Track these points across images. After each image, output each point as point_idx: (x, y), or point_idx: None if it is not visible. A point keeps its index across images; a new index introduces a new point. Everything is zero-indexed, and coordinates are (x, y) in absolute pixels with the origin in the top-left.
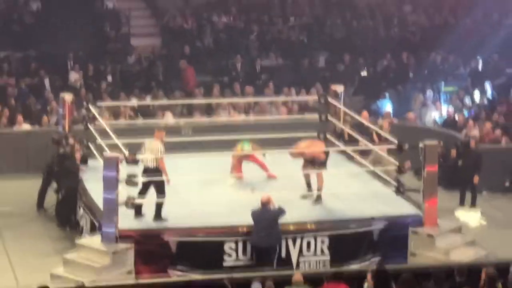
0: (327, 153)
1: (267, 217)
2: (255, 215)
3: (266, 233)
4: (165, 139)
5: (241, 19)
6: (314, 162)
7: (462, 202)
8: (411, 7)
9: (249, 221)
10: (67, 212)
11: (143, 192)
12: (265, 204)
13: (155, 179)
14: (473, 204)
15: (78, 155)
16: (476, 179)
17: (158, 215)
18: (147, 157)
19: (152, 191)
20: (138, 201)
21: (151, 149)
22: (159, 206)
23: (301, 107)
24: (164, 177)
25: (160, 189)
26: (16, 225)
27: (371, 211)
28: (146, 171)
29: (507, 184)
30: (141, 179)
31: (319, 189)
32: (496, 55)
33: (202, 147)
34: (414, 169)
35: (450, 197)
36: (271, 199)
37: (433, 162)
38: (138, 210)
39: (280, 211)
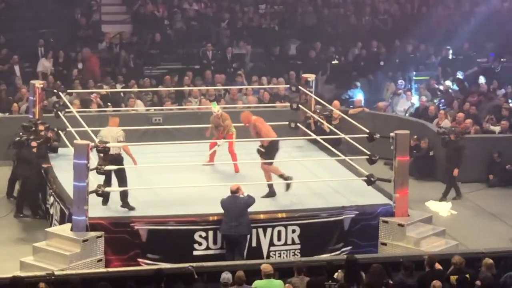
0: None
1: (237, 206)
2: (225, 203)
3: (236, 222)
4: (136, 127)
5: (212, 6)
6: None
7: (445, 194)
8: None
9: (220, 210)
10: (22, 202)
11: (107, 181)
12: (234, 192)
13: (115, 167)
14: (444, 195)
15: (34, 143)
16: (455, 171)
17: (125, 203)
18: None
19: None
20: (108, 189)
21: (111, 137)
22: (124, 194)
23: (272, 95)
24: (126, 166)
25: (122, 176)
26: None
27: (342, 200)
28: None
29: (490, 178)
30: (110, 167)
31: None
32: (466, 44)
33: (172, 135)
34: (385, 159)
35: (421, 187)
36: (241, 187)
37: (405, 151)
38: (105, 199)
39: (250, 200)
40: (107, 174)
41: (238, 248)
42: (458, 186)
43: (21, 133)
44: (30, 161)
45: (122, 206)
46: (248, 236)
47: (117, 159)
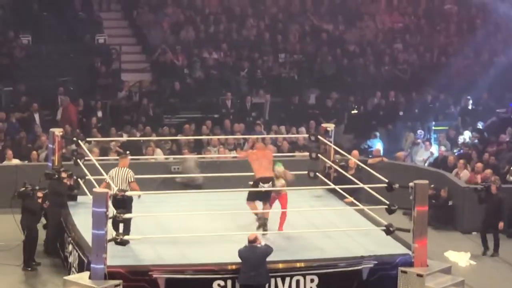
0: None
1: (255, 255)
2: (243, 253)
3: (255, 272)
4: (154, 175)
5: (231, 55)
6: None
7: (485, 248)
8: (402, 45)
9: (238, 258)
10: (31, 254)
11: (126, 228)
12: (252, 242)
13: (135, 215)
14: (495, 250)
15: (40, 194)
16: (501, 225)
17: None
18: (119, 187)
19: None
20: (127, 237)
21: (121, 177)
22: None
23: (291, 144)
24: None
25: (127, 224)
26: (4, 260)
27: (360, 250)
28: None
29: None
30: (130, 215)
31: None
32: (486, 94)
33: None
34: (404, 209)
35: (439, 237)
36: (258, 236)
37: (423, 201)
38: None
39: (268, 249)
40: (126, 222)
41: None
42: (499, 240)
43: (26, 184)
44: (35, 212)
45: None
46: (267, 285)
47: (128, 202)
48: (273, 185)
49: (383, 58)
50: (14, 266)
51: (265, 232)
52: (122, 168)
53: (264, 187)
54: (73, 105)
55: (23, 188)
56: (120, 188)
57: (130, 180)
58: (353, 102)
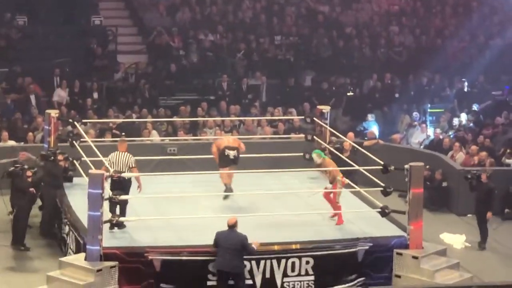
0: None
1: (234, 240)
2: (221, 236)
3: (230, 256)
4: (151, 157)
5: (227, 37)
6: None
7: (483, 240)
8: (398, 28)
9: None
10: (19, 232)
11: (123, 210)
12: (233, 226)
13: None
14: (483, 242)
15: (29, 173)
16: (489, 214)
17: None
18: (119, 170)
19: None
20: (122, 219)
21: (122, 162)
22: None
23: (287, 126)
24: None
25: (123, 207)
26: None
27: (356, 232)
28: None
29: (506, 211)
30: (125, 197)
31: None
32: (481, 77)
33: (187, 166)
34: (399, 191)
35: (435, 219)
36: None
37: (419, 184)
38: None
39: (245, 238)
40: (123, 204)
41: (238, 283)
42: (487, 231)
43: (15, 163)
44: (24, 191)
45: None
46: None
47: (126, 185)
48: (238, 154)
49: (379, 40)
50: (4, 247)
51: (231, 194)
52: (122, 153)
53: (230, 154)
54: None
55: (12, 168)
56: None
57: (131, 166)
58: (349, 84)
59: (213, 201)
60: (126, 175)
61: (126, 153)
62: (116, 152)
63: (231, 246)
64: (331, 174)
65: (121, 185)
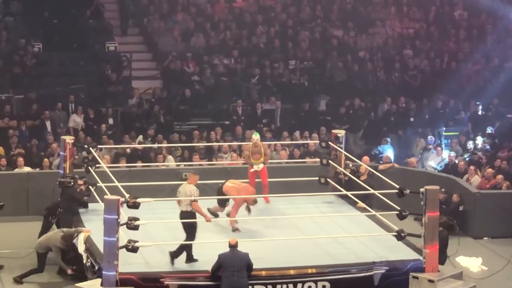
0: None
1: (238, 258)
2: (226, 257)
3: (238, 275)
4: (166, 182)
5: (242, 62)
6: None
7: None
8: (412, 51)
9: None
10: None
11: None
12: (234, 246)
13: (188, 222)
14: None
15: (81, 181)
16: None
17: (189, 257)
18: (182, 201)
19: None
20: (138, 244)
21: (185, 193)
22: (187, 249)
23: (302, 151)
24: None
25: (191, 232)
26: (15, 268)
27: (372, 256)
28: (182, 215)
29: None
30: (141, 222)
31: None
32: (496, 100)
33: (202, 191)
34: (415, 215)
35: (451, 242)
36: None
37: (434, 207)
38: (189, 256)
39: (248, 256)
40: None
41: None
42: None
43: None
44: (78, 199)
45: (186, 261)
46: None
47: (189, 217)
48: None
49: (394, 64)
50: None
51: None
52: (189, 185)
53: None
54: None
55: (62, 179)
56: (183, 205)
57: (191, 199)
58: (364, 108)
59: (227, 225)
60: (140, 200)
61: (192, 185)
62: (184, 183)
63: (237, 265)
64: (268, 155)
65: (185, 217)
